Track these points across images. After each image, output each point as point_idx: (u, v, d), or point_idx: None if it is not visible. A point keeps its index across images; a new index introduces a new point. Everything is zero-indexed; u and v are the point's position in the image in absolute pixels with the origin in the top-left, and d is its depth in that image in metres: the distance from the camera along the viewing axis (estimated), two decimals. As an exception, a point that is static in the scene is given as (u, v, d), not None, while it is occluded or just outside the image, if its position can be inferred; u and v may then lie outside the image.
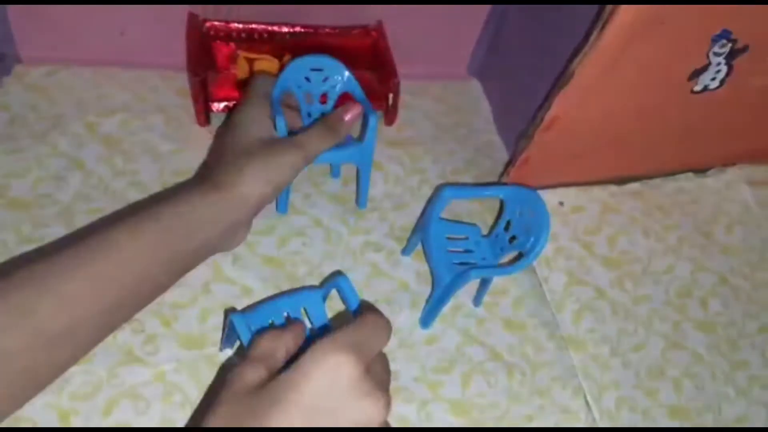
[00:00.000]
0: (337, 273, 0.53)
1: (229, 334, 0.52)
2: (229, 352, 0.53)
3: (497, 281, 0.61)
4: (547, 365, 0.58)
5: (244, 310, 0.53)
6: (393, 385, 0.53)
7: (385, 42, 0.71)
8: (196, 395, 0.51)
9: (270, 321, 0.51)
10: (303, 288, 0.57)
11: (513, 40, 0.72)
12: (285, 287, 0.57)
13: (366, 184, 0.62)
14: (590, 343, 0.60)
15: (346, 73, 0.60)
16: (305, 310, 0.52)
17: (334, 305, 0.55)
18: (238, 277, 0.57)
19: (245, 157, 0.52)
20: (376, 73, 0.70)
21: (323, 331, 0.52)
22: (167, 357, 0.52)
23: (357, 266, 0.60)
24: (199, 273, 0.56)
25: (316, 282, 0.58)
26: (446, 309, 0.58)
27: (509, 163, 0.66)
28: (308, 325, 0.52)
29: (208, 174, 0.52)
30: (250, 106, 0.55)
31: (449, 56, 0.78)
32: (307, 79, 0.59)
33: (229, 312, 0.48)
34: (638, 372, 0.59)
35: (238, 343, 0.53)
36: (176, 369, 0.52)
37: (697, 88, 0.60)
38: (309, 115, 0.61)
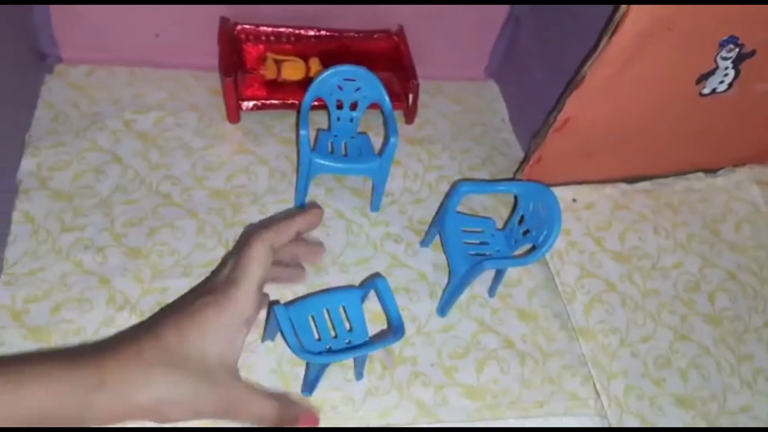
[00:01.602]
0: (377, 275, 0.55)
1: (271, 326, 0.55)
2: (269, 343, 0.56)
3: (511, 273, 0.64)
4: (558, 354, 0.61)
5: (287, 304, 0.55)
6: (411, 369, 0.57)
7: (405, 45, 0.74)
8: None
9: (310, 315, 0.54)
10: (343, 287, 0.60)
11: (528, 43, 0.75)
12: (309, 275, 0.60)
13: (380, 193, 0.66)
14: (600, 333, 0.62)
15: (380, 87, 0.62)
16: (344, 308, 0.55)
17: (370, 306, 0.58)
18: (265, 266, 0.60)
19: (171, 368, 0.42)
20: (397, 74, 0.73)
21: (360, 330, 0.55)
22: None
23: (377, 256, 0.63)
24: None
25: (338, 270, 0.62)
26: (462, 299, 0.61)
27: (524, 161, 0.69)
28: (346, 324, 0.55)
29: (157, 341, 0.43)
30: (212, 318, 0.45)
31: (467, 59, 0.81)
32: (340, 87, 0.62)
33: (273, 304, 0.51)
34: (646, 362, 0.61)
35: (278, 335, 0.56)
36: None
37: (706, 91, 0.62)
38: (338, 119, 0.65)
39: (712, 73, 0.60)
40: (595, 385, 0.59)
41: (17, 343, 0.52)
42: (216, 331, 0.44)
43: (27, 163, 0.62)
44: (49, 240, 0.58)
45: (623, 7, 0.51)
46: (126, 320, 0.55)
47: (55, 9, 0.66)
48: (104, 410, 0.40)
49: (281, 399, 0.46)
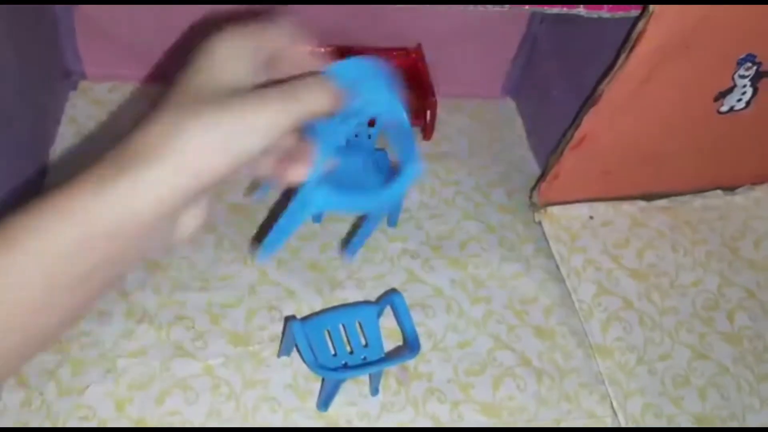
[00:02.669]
0: (393, 291, 0.55)
1: (287, 341, 0.55)
2: (285, 358, 0.57)
3: (527, 291, 0.65)
4: (575, 371, 0.61)
5: (303, 320, 0.56)
6: (426, 385, 0.57)
7: (423, 63, 0.75)
8: (240, 388, 0.54)
9: (326, 330, 0.54)
10: (359, 303, 0.60)
11: (545, 61, 0.75)
12: (326, 290, 0.61)
13: (397, 211, 0.66)
14: (617, 351, 0.62)
15: (398, 105, 0.62)
16: (360, 323, 0.56)
17: (386, 322, 0.58)
18: (282, 280, 0.61)
19: (197, 106, 0.32)
20: (415, 91, 0.74)
21: (376, 346, 0.55)
22: (215, 352, 0.56)
23: (394, 272, 0.64)
24: (246, 276, 0.60)
25: (354, 285, 0.62)
26: (478, 315, 0.62)
27: (541, 178, 0.69)
28: (362, 340, 0.55)
29: (127, 138, 0.31)
30: (226, 38, 0.35)
31: (484, 77, 0.81)
32: None
33: (290, 320, 0.51)
34: (664, 380, 0.61)
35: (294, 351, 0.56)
36: (223, 363, 0.56)
37: (724, 108, 0.62)
38: (356, 135, 0.65)
39: (730, 91, 0.60)
40: (612, 403, 0.59)
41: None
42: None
43: (51, 178, 0.63)
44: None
45: (640, 24, 0.51)
46: (145, 333, 0.55)
47: (80, 26, 0.68)
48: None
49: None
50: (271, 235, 0.39)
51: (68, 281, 0.30)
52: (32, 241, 0.29)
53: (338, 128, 0.43)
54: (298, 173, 0.39)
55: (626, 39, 0.53)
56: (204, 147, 0.31)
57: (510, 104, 0.83)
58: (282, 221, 0.40)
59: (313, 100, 0.35)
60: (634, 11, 0.54)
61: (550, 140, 0.68)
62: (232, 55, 0.34)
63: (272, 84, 0.35)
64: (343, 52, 0.74)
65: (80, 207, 0.29)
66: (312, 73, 0.37)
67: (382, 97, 0.40)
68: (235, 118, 0.32)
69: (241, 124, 0.32)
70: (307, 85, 0.35)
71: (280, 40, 0.37)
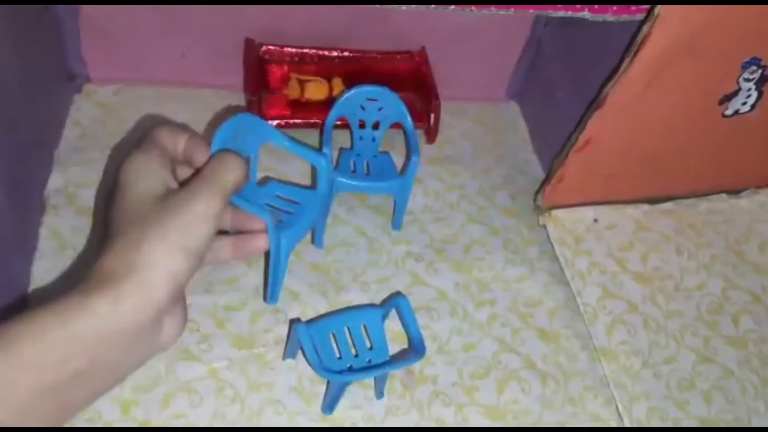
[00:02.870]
0: (398, 294, 0.55)
1: (292, 344, 0.55)
2: (290, 361, 0.57)
3: (532, 293, 0.65)
4: (580, 375, 0.61)
5: (308, 322, 0.56)
6: (431, 388, 0.57)
7: (427, 66, 0.75)
8: (245, 391, 0.54)
9: (331, 333, 0.54)
10: (365, 306, 0.60)
11: (549, 65, 0.75)
12: (330, 293, 0.61)
13: (402, 212, 0.66)
14: (622, 354, 0.62)
15: (402, 107, 0.63)
16: (365, 326, 0.55)
17: (391, 325, 0.58)
18: (287, 283, 0.61)
19: (143, 221, 0.37)
20: (419, 94, 0.74)
21: (382, 349, 0.55)
22: (220, 355, 0.56)
23: (398, 275, 0.64)
24: (250, 278, 0.60)
25: (359, 288, 0.62)
26: (483, 318, 0.62)
27: (545, 181, 0.69)
28: (367, 343, 0.55)
29: (97, 264, 0.37)
30: (137, 158, 0.41)
31: (488, 80, 0.81)
32: (363, 107, 0.63)
33: (295, 322, 0.51)
34: (669, 383, 0.61)
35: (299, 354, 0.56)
36: (228, 367, 0.55)
37: (728, 112, 0.62)
38: (360, 138, 0.66)
39: (734, 94, 0.60)
40: (617, 407, 0.59)
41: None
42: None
43: (54, 180, 0.64)
44: (75, 256, 0.59)
45: (645, 27, 0.51)
46: (149, 336, 0.55)
47: (84, 29, 0.68)
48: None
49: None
50: (271, 285, 0.51)
51: (52, 388, 0.34)
52: (21, 350, 0.33)
53: (258, 191, 0.53)
54: (258, 245, 0.48)
55: (631, 42, 0.53)
56: (165, 254, 0.36)
57: (514, 107, 0.83)
58: (272, 270, 0.50)
59: (229, 175, 0.41)
60: (639, 14, 0.54)
61: (554, 143, 0.68)
62: (146, 169, 0.40)
63: (193, 177, 0.41)
64: (348, 57, 0.74)
65: (62, 322, 0.33)
66: (218, 155, 0.43)
67: (260, 135, 0.51)
68: (178, 217, 0.38)
69: (184, 220, 0.38)
70: (219, 164, 0.42)
71: (173, 144, 0.44)
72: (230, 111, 0.74)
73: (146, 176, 0.40)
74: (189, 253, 0.38)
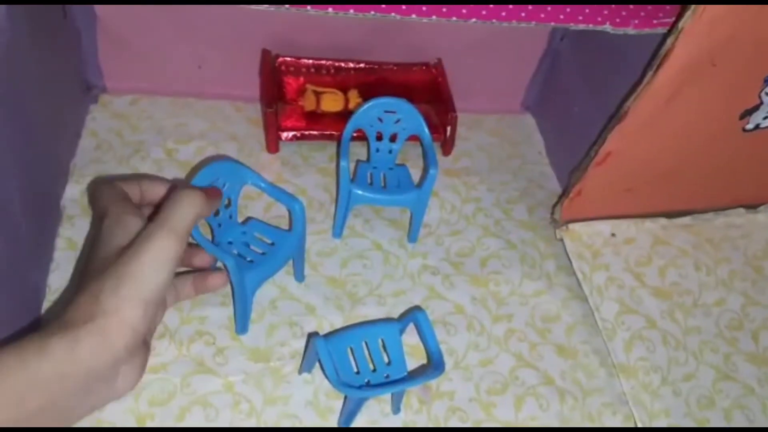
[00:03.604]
0: (416, 308, 0.55)
1: (309, 358, 0.54)
2: (306, 375, 0.56)
3: (550, 309, 0.64)
4: (598, 391, 0.60)
5: (326, 336, 0.55)
6: (448, 404, 0.56)
7: (443, 78, 0.75)
8: (261, 405, 0.54)
9: (348, 347, 0.53)
10: (383, 320, 0.60)
11: (566, 78, 0.75)
12: (346, 306, 0.60)
13: (418, 225, 0.65)
14: (641, 371, 0.61)
15: (420, 120, 0.63)
16: (382, 340, 0.55)
17: (409, 339, 0.57)
18: (303, 296, 0.61)
19: (98, 278, 0.40)
20: (435, 106, 0.74)
21: (399, 363, 0.54)
22: (236, 368, 0.55)
23: (414, 288, 0.63)
24: (266, 291, 0.60)
25: (375, 301, 0.61)
26: (500, 332, 0.61)
27: (563, 195, 0.68)
28: (385, 358, 0.54)
29: (60, 316, 0.39)
30: (107, 218, 0.44)
31: (504, 92, 0.81)
32: (380, 119, 0.63)
33: (312, 336, 0.51)
34: (688, 401, 0.60)
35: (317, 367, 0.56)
36: (244, 380, 0.55)
37: (749, 126, 0.62)
38: (377, 150, 0.65)
39: (756, 108, 0.60)
40: (636, 424, 0.58)
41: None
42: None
43: (71, 191, 0.63)
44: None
45: (669, 41, 0.51)
46: (165, 348, 0.55)
47: (101, 40, 0.68)
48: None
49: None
50: (239, 318, 0.56)
51: (16, 420, 0.36)
52: None
53: (238, 229, 0.58)
54: (216, 283, 0.54)
55: (653, 56, 0.53)
56: (119, 304, 0.38)
57: (530, 120, 0.83)
58: (238, 306, 0.55)
59: (184, 213, 0.43)
60: (660, 28, 0.54)
61: (571, 157, 0.68)
62: (119, 223, 0.43)
63: (151, 222, 0.43)
64: (364, 69, 0.74)
65: (21, 362, 0.36)
66: (171, 194, 0.44)
67: (239, 178, 0.56)
68: (130, 267, 0.39)
69: (137, 269, 0.39)
70: (172, 203, 0.43)
71: (133, 191, 0.48)
72: (248, 122, 0.73)
73: (120, 229, 0.43)
74: (143, 302, 0.39)
